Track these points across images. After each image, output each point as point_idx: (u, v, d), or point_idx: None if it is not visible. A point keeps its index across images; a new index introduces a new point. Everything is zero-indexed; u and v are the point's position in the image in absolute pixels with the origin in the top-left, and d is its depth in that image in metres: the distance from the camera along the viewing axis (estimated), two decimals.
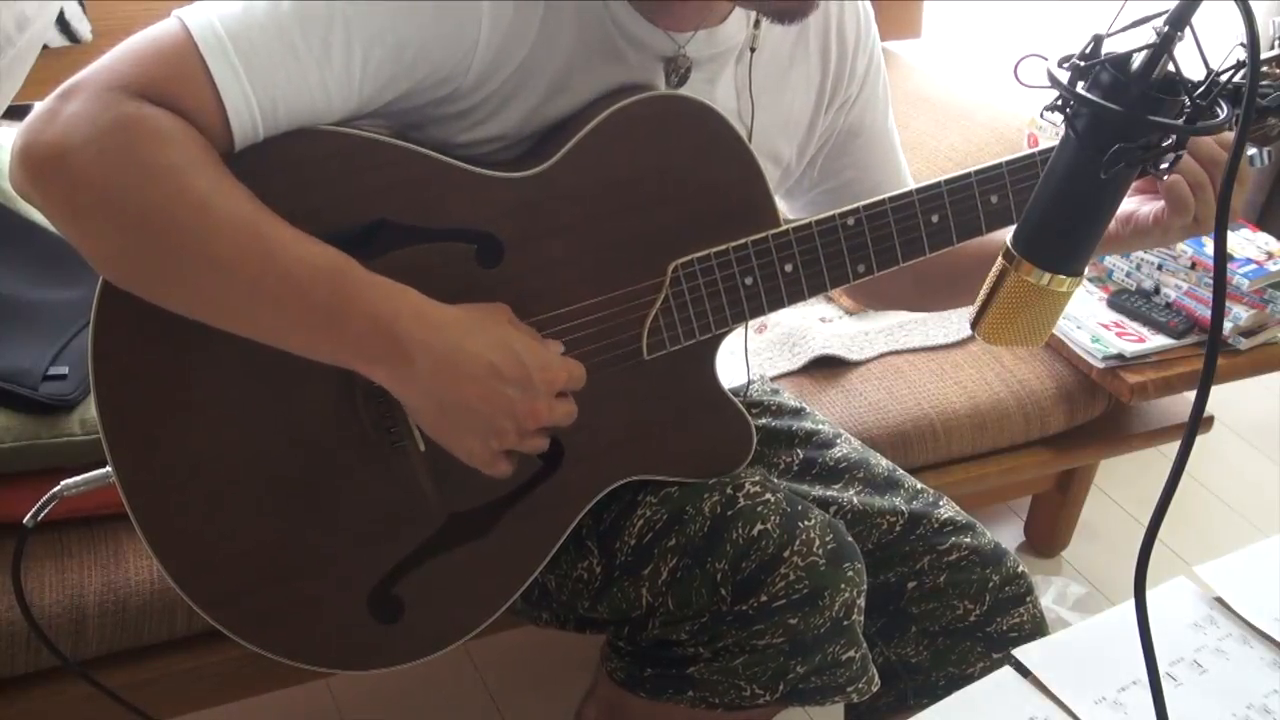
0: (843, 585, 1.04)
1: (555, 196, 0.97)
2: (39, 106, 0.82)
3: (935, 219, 1.07)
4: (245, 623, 0.99)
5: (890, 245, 1.06)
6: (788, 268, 1.05)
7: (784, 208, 1.25)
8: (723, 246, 1.02)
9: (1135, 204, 1.06)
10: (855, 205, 1.05)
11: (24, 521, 0.99)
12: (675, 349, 1.05)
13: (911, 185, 1.23)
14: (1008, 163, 1.07)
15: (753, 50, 1.06)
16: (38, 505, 0.99)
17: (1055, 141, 1.09)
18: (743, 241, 1.03)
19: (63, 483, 0.99)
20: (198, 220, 0.82)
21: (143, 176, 0.80)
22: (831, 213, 1.04)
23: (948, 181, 1.06)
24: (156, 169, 0.81)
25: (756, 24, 1.05)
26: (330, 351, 0.87)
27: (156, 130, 0.81)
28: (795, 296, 1.06)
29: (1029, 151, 1.09)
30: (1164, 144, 0.73)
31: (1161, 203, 1.03)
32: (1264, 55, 0.99)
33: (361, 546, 1.01)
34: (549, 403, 0.92)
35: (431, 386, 0.88)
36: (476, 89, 0.94)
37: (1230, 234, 1.78)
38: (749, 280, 1.04)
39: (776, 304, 1.06)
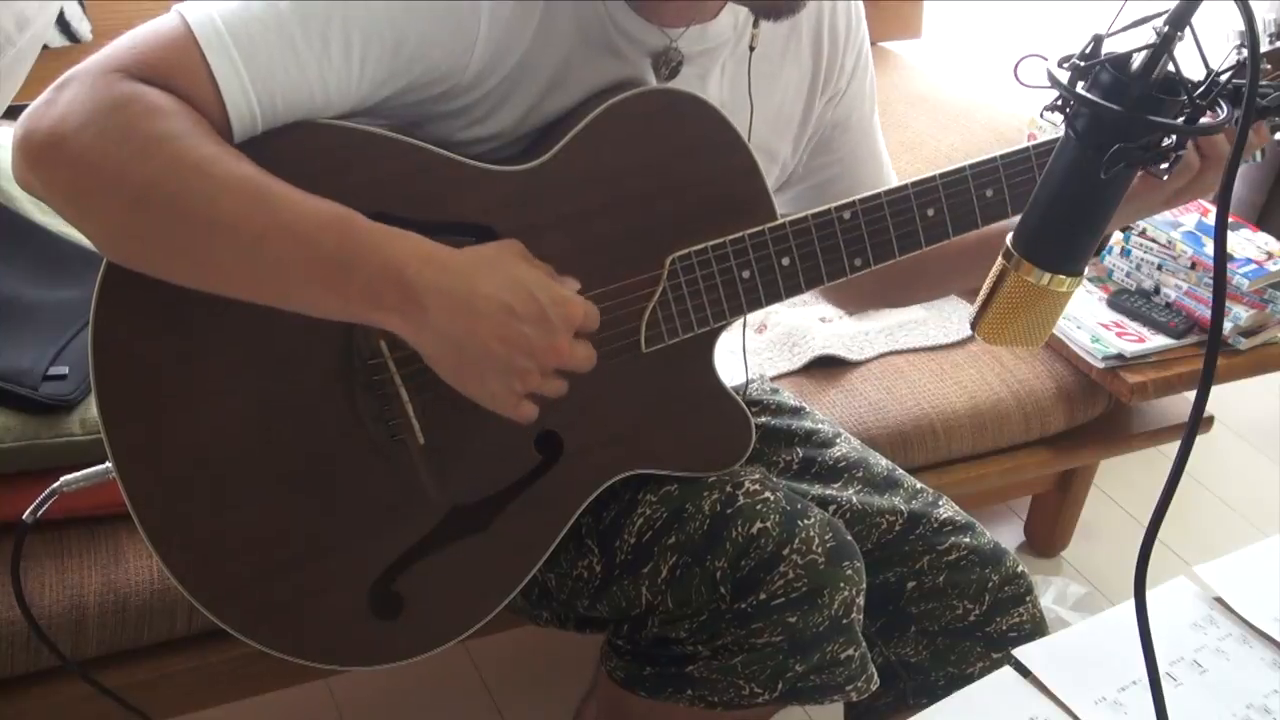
0: (842, 584, 1.04)
1: (552, 190, 0.98)
2: (38, 98, 0.83)
3: (931, 212, 1.07)
4: (246, 619, 0.99)
5: (887, 239, 1.07)
6: (784, 261, 1.05)
7: None
8: (720, 240, 1.03)
9: None
10: (851, 199, 1.05)
11: (23, 517, 0.99)
12: (673, 342, 1.05)
13: (895, 181, 1.24)
14: (1002, 156, 1.08)
15: (752, 49, 1.06)
16: (37, 500, 0.99)
17: (1051, 137, 1.09)
18: (740, 235, 1.03)
19: (62, 478, 0.99)
20: (198, 184, 0.82)
21: (141, 148, 0.81)
22: (828, 206, 1.05)
23: (943, 175, 1.07)
24: (154, 139, 0.81)
25: (756, 23, 1.05)
26: (340, 304, 0.86)
27: (153, 104, 0.81)
28: (793, 290, 1.06)
29: (1023, 145, 1.09)
30: (1164, 144, 0.73)
31: None
32: (1263, 49, 0.99)
33: (362, 541, 1.01)
34: (567, 339, 0.90)
35: (447, 330, 0.86)
36: (475, 86, 0.95)
37: (1230, 234, 1.78)
38: (746, 273, 1.04)
39: (774, 297, 1.06)
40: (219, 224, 0.82)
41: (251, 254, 0.84)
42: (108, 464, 0.94)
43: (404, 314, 0.86)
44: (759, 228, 1.03)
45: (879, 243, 1.07)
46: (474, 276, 0.87)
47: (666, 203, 1.02)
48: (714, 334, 1.08)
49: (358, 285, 0.85)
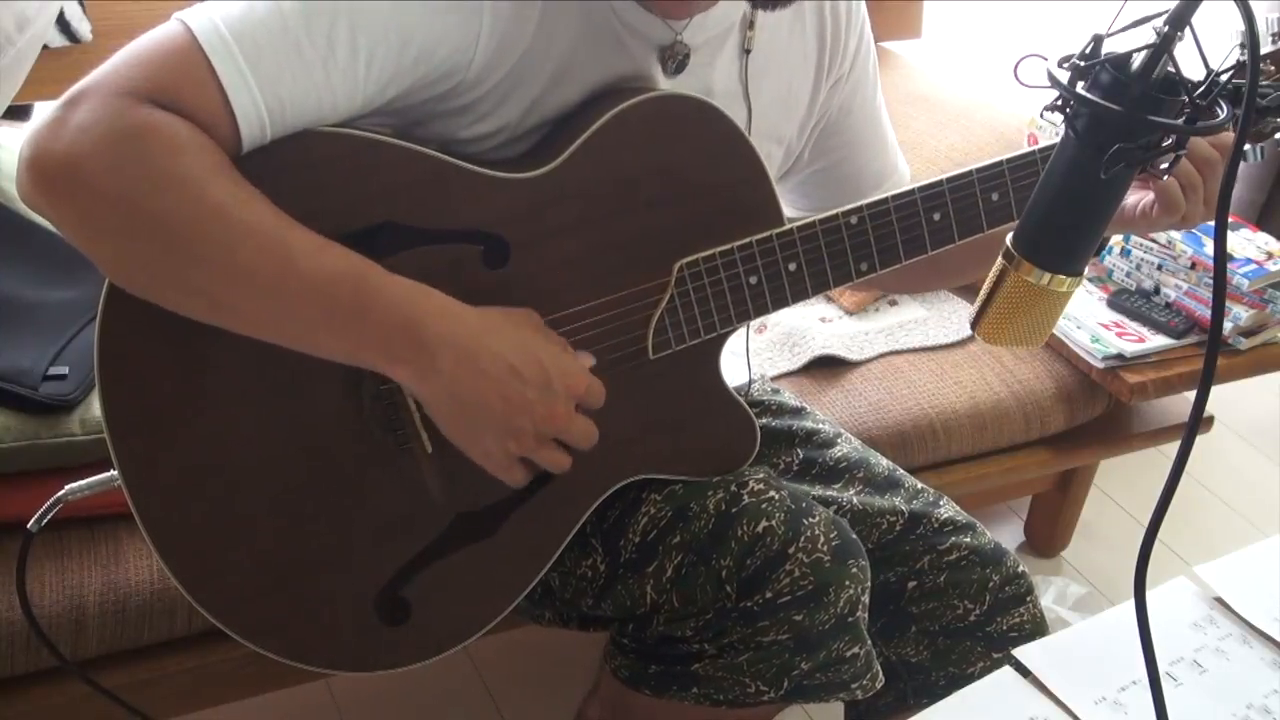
0: (847, 582, 1.04)
1: (561, 197, 0.97)
2: (45, 115, 0.81)
3: (937, 217, 1.07)
4: (252, 626, 0.99)
5: (893, 243, 1.07)
6: (791, 266, 1.05)
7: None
8: (727, 246, 1.03)
9: None
10: (858, 204, 1.05)
11: (28, 527, 0.99)
12: (680, 348, 1.05)
13: (901, 161, 1.24)
14: (1008, 160, 1.08)
15: (748, 52, 1.06)
16: (41, 510, 0.98)
17: (1055, 140, 1.10)
18: (747, 240, 1.03)
19: (66, 487, 0.99)
20: (216, 227, 0.81)
21: (158, 186, 0.80)
22: (834, 211, 1.05)
23: (949, 180, 1.07)
24: (172, 178, 0.80)
25: (750, 25, 1.05)
26: (352, 352, 0.87)
27: (169, 138, 0.81)
28: (799, 295, 1.06)
29: (1029, 149, 1.09)
30: (1164, 144, 0.73)
31: (1149, 195, 1.05)
32: (1264, 50, 0.99)
33: (369, 548, 1.01)
34: (568, 409, 0.92)
35: (452, 383, 0.88)
36: (478, 83, 0.95)
37: (1230, 234, 1.78)
38: (753, 279, 1.04)
39: (780, 303, 1.06)
40: (234, 270, 0.83)
41: (266, 301, 0.84)
42: (113, 472, 0.93)
43: (414, 365, 0.87)
44: (766, 234, 1.03)
45: (885, 248, 1.07)
46: (485, 335, 0.88)
47: (675, 209, 1.01)
48: (720, 340, 1.08)
49: (370, 335, 0.86)
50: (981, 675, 0.87)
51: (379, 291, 0.86)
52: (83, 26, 1.52)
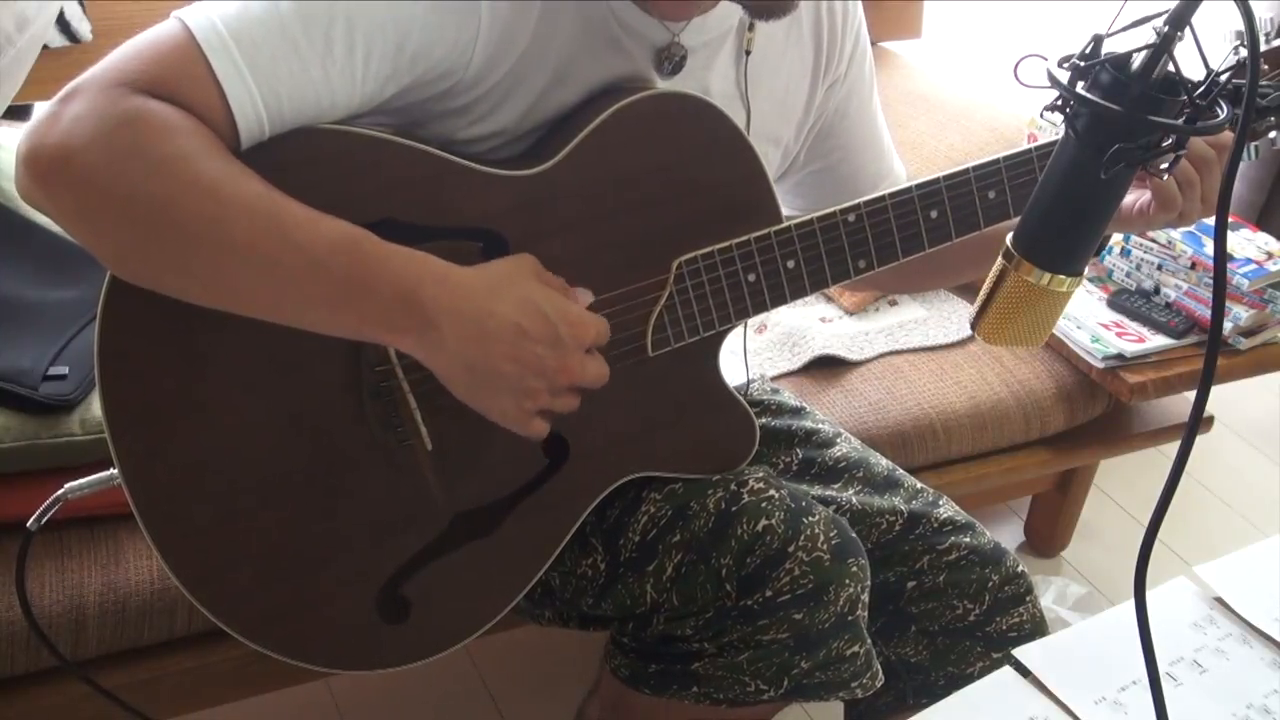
0: (847, 580, 1.04)
1: (559, 194, 0.98)
2: (41, 111, 0.82)
3: (934, 215, 1.08)
4: (252, 624, 0.99)
5: (890, 241, 1.07)
6: (790, 264, 1.05)
7: None
8: (726, 244, 1.03)
9: None
10: (856, 202, 1.05)
11: (28, 525, 0.99)
12: (679, 345, 1.05)
13: (898, 164, 1.25)
14: (1005, 159, 1.08)
15: (748, 53, 1.06)
16: (41, 509, 0.98)
17: (1053, 139, 1.10)
18: (745, 238, 1.03)
19: (66, 485, 0.98)
20: (210, 206, 0.81)
21: (151, 168, 0.80)
22: (833, 209, 1.05)
23: (946, 178, 1.07)
24: (164, 160, 0.80)
25: (751, 26, 1.05)
26: (354, 326, 0.87)
27: (161, 122, 0.81)
28: (798, 292, 1.06)
29: (1026, 147, 1.09)
30: (1164, 144, 0.73)
31: (1146, 194, 1.06)
32: (1262, 49, 0.99)
33: (369, 546, 1.01)
34: (579, 358, 0.92)
35: (459, 351, 0.87)
36: (477, 83, 0.95)
37: (1230, 234, 1.78)
38: (752, 277, 1.04)
39: (779, 300, 1.06)
40: (231, 248, 0.82)
41: (264, 278, 0.84)
42: (113, 470, 0.93)
43: (418, 336, 0.87)
44: (764, 231, 1.03)
45: (883, 245, 1.07)
46: (487, 297, 0.88)
47: (673, 206, 1.02)
48: (719, 337, 1.09)
49: (370, 308, 0.85)
50: (981, 675, 0.87)
51: (376, 261, 0.85)
52: (83, 26, 1.52)
